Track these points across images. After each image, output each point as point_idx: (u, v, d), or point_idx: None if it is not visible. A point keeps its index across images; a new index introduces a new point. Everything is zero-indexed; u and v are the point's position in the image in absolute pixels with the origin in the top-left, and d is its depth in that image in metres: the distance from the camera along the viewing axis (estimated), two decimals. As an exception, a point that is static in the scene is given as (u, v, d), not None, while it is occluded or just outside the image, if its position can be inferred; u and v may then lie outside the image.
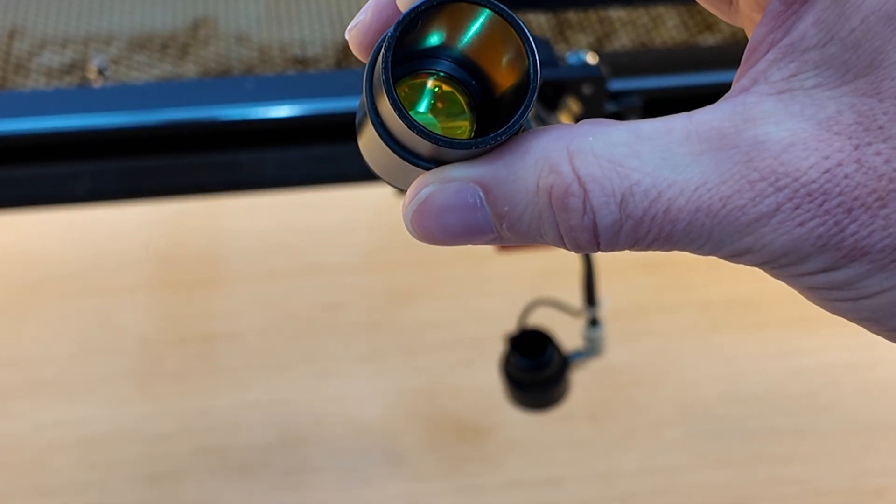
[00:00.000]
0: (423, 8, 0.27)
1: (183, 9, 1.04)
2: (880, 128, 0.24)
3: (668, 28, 1.03)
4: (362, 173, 0.90)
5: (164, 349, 1.24)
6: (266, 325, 1.27)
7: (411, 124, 0.26)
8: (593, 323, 0.98)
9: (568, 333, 1.01)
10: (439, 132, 0.28)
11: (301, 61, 0.98)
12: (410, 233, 0.28)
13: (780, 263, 0.26)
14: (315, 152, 0.89)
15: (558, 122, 0.79)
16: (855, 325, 0.29)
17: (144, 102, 0.87)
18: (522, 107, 0.26)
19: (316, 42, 1.00)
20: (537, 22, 1.04)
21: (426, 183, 0.27)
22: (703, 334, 1.25)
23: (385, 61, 0.26)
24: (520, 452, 1.14)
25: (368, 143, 0.30)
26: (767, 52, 0.26)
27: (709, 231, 0.25)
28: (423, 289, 1.32)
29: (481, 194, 0.27)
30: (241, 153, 0.88)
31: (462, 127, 0.29)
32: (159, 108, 0.86)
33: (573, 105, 0.80)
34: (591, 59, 0.84)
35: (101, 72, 0.94)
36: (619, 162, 0.25)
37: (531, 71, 0.26)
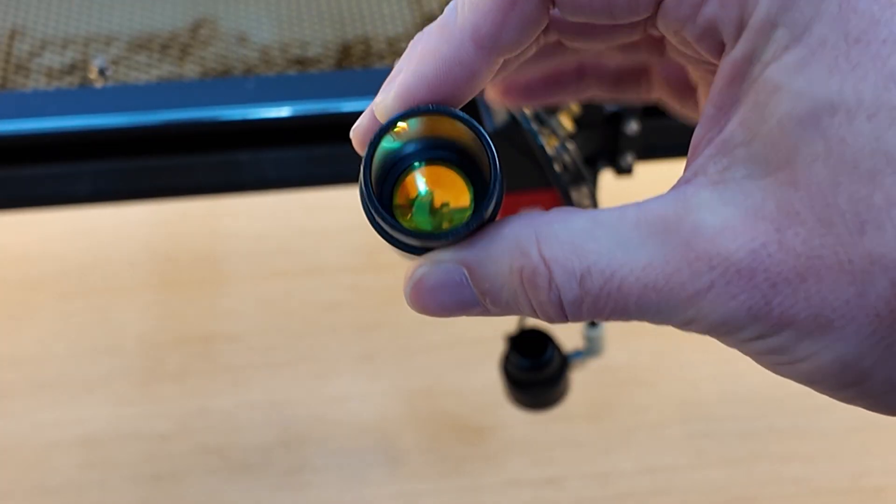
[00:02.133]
0: (384, 131, 0.30)
1: (183, 9, 1.04)
2: (797, 213, 0.28)
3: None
4: (362, 174, 0.90)
5: (164, 349, 1.25)
6: (266, 325, 1.28)
7: (400, 230, 0.30)
8: (593, 323, 0.98)
9: (568, 333, 1.01)
10: (444, 209, 0.32)
11: (302, 62, 0.98)
12: (410, 307, 0.32)
13: (720, 332, 0.29)
14: (315, 153, 0.89)
15: (558, 123, 0.79)
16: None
17: (145, 103, 0.88)
18: (484, 203, 0.30)
19: (317, 42, 1.00)
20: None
21: (420, 265, 0.32)
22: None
23: (366, 185, 0.30)
24: (519, 452, 1.14)
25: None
26: (705, 148, 0.30)
27: (656, 305, 0.29)
28: (423, 289, 1.32)
29: (466, 274, 0.31)
30: (241, 153, 0.88)
31: (462, 195, 0.32)
32: (160, 108, 0.87)
33: (573, 105, 0.81)
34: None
35: (101, 72, 0.94)
36: (578, 245, 0.29)
37: (492, 176, 0.30)
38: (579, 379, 1.04)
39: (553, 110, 0.81)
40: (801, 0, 0.28)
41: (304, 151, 0.89)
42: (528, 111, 0.75)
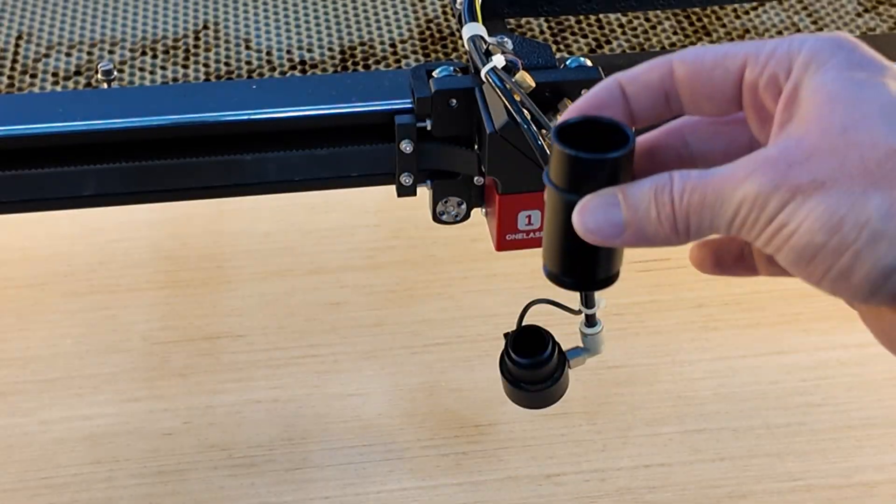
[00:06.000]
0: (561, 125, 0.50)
1: (188, 14, 1.05)
2: (808, 132, 0.45)
3: (666, 30, 1.04)
4: (363, 175, 0.91)
5: (170, 347, 1.26)
6: (269, 323, 1.29)
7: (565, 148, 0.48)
8: (591, 322, 0.99)
9: (567, 332, 1.02)
10: None
11: (305, 64, 0.99)
12: (575, 227, 0.48)
13: (759, 208, 0.44)
14: (317, 154, 0.90)
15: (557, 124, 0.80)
16: (848, 326, 0.45)
17: (150, 105, 0.89)
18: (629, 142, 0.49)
19: (319, 46, 1.01)
20: (537, 23, 1.05)
21: (590, 196, 0.48)
22: (698, 332, 1.26)
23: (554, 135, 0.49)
24: (519, 449, 1.15)
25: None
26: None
27: (721, 191, 0.45)
28: (424, 287, 1.33)
29: (620, 196, 0.47)
30: (245, 155, 0.89)
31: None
32: (164, 110, 0.88)
33: (569, 104, 0.82)
34: (589, 63, 0.85)
35: (106, 76, 0.96)
36: (690, 172, 0.47)
37: (630, 142, 0.49)
38: (577, 377, 1.05)
39: (554, 112, 0.83)
40: (824, 49, 0.47)
41: (306, 153, 0.90)
42: (527, 112, 0.76)
